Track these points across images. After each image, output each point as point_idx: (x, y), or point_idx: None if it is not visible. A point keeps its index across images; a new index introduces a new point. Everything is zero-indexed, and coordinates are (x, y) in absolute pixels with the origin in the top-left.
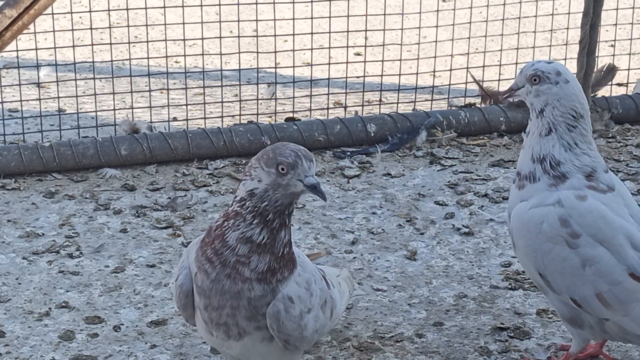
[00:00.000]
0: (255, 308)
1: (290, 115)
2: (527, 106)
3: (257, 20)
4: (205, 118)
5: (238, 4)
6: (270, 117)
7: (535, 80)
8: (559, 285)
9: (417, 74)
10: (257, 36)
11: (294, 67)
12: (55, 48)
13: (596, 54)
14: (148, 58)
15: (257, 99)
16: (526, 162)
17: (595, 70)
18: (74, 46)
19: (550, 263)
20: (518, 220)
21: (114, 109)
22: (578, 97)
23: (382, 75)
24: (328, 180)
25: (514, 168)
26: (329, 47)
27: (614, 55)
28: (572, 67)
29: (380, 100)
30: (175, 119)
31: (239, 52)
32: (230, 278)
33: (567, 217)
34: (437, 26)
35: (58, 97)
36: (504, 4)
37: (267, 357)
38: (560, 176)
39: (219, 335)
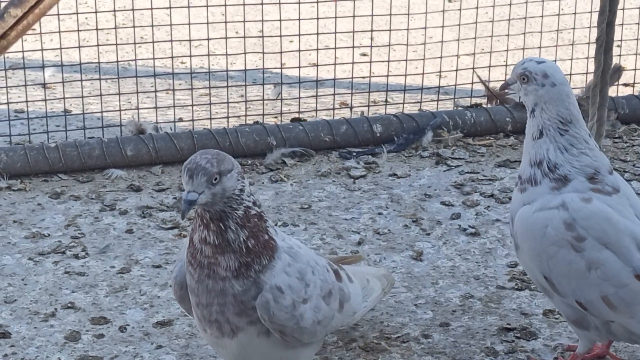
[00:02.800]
0: (242, 303)
1: (296, 115)
2: None
3: (262, 21)
4: (211, 119)
5: (244, 5)
6: (276, 117)
7: (524, 79)
8: (564, 289)
9: (423, 74)
10: (262, 37)
11: (299, 67)
12: (60, 49)
13: (613, 52)
14: (154, 59)
15: (263, 100)
16: (525, 166)
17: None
18: (79, 47)
19: (555, 266)
20: (522, 224)
21: (120, 110)
22: (564, 102)
23: (388, 76)
24: (334, 181)
25: None
26: (335, 48)
27: (620, 55)
28: (579, 67)
29: (386, 101)
30: (181, 120)
31: (245, 53)
32: (210, 278)
33: (572, 220)
34: (443, 26)
35: (64, 98)
36: (510, 4)
37: (267, 356)
38: (561, 179)
39: (213, 333)
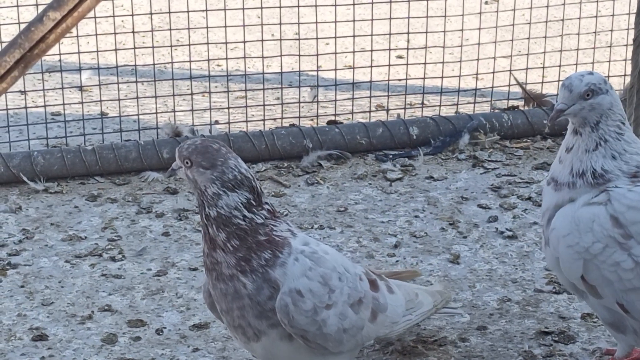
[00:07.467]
0: (259, 304)
1: (332, 118)
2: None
3: (299, 23)
4: (247, 121)
5: (280, 7)
6: (312, 120)
7: (588, 95)
8: (605, 289)
9: (459, 76)
10: (299, 39)
11: (335, 70)
12: (97, 52)
13: None
14: (190, 61)
15: (299, 102)
16: (565, 174)
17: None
18: (116, 49)
19: (598, 266)
20: (564, 220)
21: (156, 112)
22: (620, 101)
23: (424, 78)
24: (370, 184)
25: None
26: (371, 50)
27: None
28: (616, 69)
29: (423, 103)
30: (217, 122)
31: (281, 55)
32: (220, 280)
33: (618, 214)
34: (479, 28)
35: (100, 101)
36: (547, 6)
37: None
38: (603, 183)
39: (240, 338)
